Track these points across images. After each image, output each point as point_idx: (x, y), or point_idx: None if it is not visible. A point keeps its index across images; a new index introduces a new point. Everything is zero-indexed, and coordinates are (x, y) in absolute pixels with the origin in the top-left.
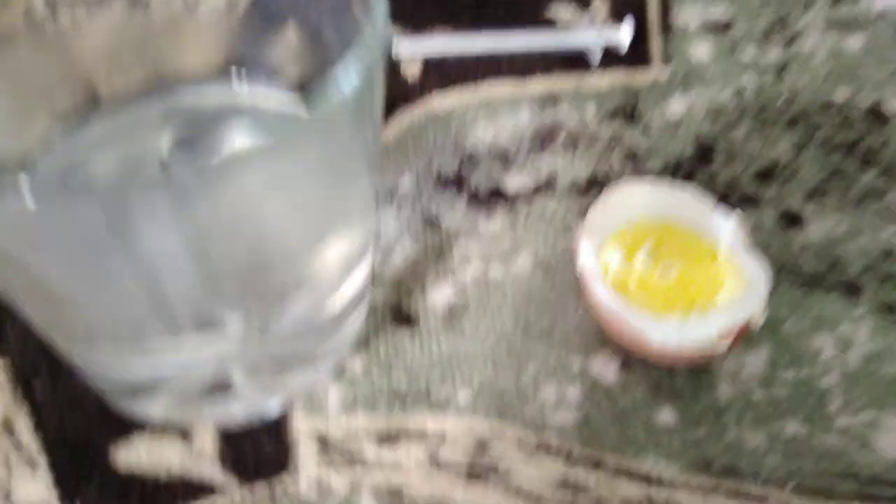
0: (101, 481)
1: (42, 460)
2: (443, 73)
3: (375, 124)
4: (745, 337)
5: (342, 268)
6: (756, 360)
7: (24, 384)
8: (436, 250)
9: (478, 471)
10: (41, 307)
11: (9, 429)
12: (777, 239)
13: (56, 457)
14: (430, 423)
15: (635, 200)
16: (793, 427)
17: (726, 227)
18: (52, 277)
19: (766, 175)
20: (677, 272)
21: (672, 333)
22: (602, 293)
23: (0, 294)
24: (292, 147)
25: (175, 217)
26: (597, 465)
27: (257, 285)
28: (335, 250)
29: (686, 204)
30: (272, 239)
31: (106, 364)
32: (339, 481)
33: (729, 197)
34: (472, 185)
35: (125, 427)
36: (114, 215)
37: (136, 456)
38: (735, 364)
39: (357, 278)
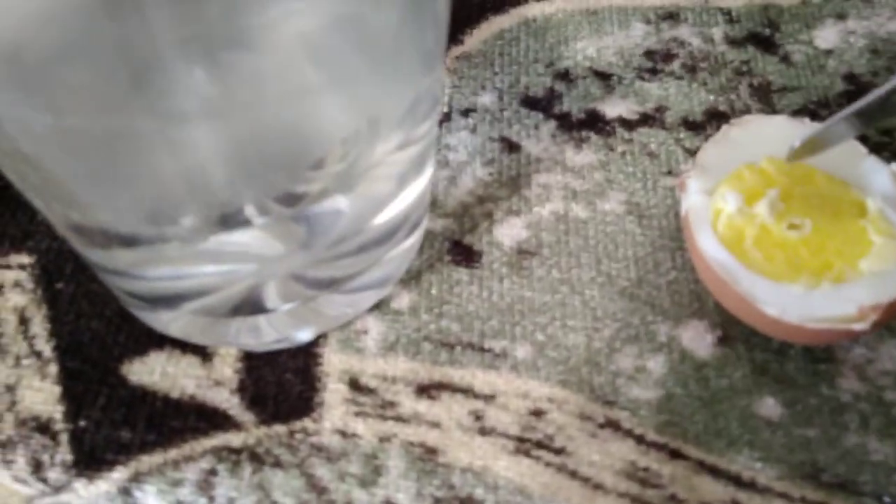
0: (109, 397)
1: (53, 370)
2: None
3: (434, 9)
4: (891, 318)
5: (392, 174)
6: (894, 353)
7: (47, 286)
8: (511, 179)
9: (528, 444)
10: (58, 205)
11: (25, 331)
12: None
13: (67, 366)
14: (480, 379)
15: (764, 137)
16: None
17: (882, 176)
18: (68, 167)
19: None
20: (811, 227)
21: (793, 302)
22: (707, 242)
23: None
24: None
25: (207, 76)
26: (675, 455)
27: (294, 174)
28: (383, 148)
29: None
30: (312, 116)
31: (124, 272)
32: (366, 432)
33: (883, 150)
34: (563, 107)
35: (143, 341)
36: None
37: (149, 373)
38: (866, 354)
39: (410, 193)
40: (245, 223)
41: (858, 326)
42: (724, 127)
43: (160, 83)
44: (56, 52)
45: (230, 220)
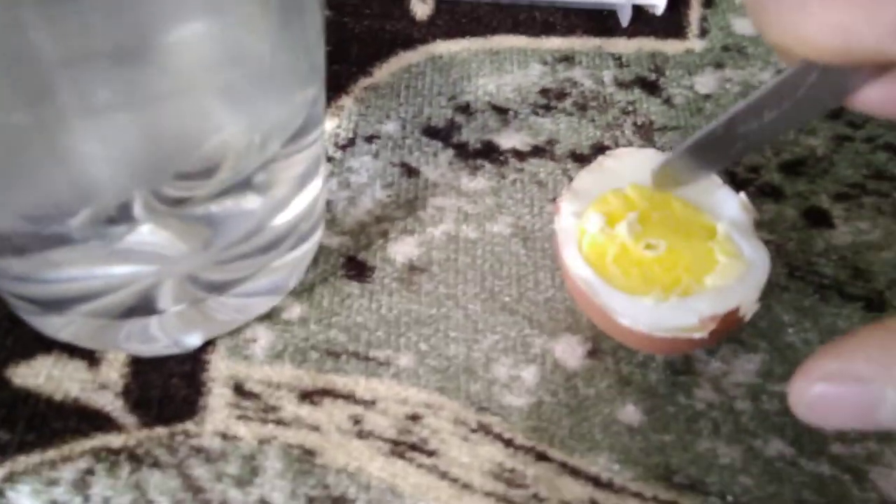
0: None
1: None
2: (454, 17)
3: (305, 15)
4: (731, 330)
5: (286, 178)
6: (747, 367)
7: None
8: (408, 201)
9: (403, 446)
10: None
11: None
12: (797, 237)
13: None
14: (362, 385)
15: (634, 167)
16: (777, 447)
17: (731, 204)
18: None
19: (795, 166)
20: (665, 247)
21: (644, 314)
22: (573, 259)
23: None
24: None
25: (95, 76)
26: (540, 457)
27: (176, 171)
28: (266, 155)
29: None
30: (192, 117)
31: (19, 276)
32: (247, 434)
33: (749, 185)
34: (462, 137)
35: (30, 346)
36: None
37: (34, 376)
38: (721, 367)
39: (303, 200)
40: (132, 221)
41: (698, 335)
42: (600, 157)
43: (49, 82)
44: None
45: (118, 217)
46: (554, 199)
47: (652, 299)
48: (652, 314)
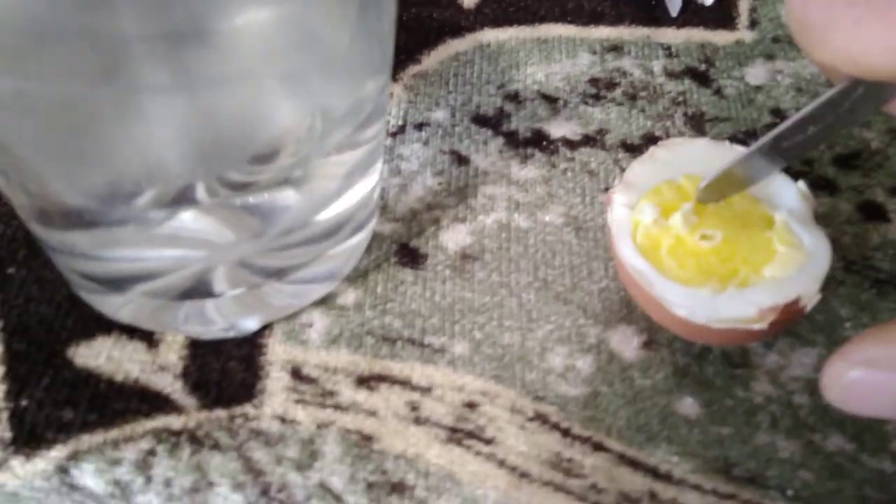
0: (53, 378)
1: None
2: (501, 5)
3: (381, 13)
4: (791, 322)
5: (338, 174)
6: (804, 360)
7: None
8: (459, 189)
9: (460, 434)
10: (16, 180)
11: None
12: (852, 231)
13: (13, 348)
14: (418, 372)
15: (687, 157)
16: (837, 442)
17: (789, 192)
18: (25, 134)
19: (849, 160)
20: (722, 237)
21: (701, 305)
22: (627, 251)
23: None
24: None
25: (166, 57)
26: (598, 448)
27: (243, 158)
28: (331, 145)
29: None
30: (262, 104)
31: (80, 253)
32: (305, 418)
33: (802, 179)
34: (511, 125)
35: (91, 326)
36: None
37: (95, 357)
38: (779, 361)
39: (355, 194)
40: (194, 203)
41: (757, 326)
42: (652, 148)
43: (122, 57)
44: (23, 22)
45: (181, 199)
46: (606, 189)
47: (709, 290)
48: (709, 305)
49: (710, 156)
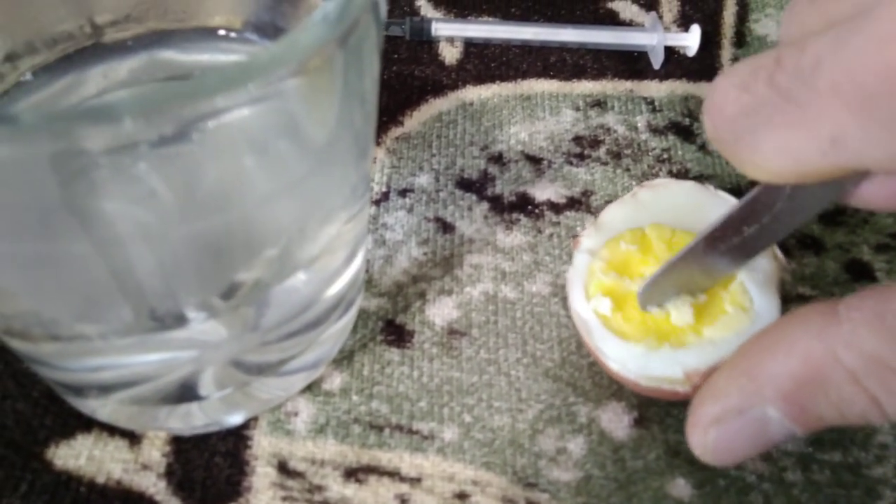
0: (32, 481)
1: None
2: (483, 61)
3: (365, 100)
4: None
5: (323, 266)
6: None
7: None
8: (445, 259)
9: None
10: None
11: None
12: (840, 292)
13: None
14: (407, 462)
15: (668, 199)
16: None
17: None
18: None
19: (834, 216)
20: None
21: (632, 360)
22: (576, 298)
23: None
24: (267, 105)
25: (139, 186)
26: None
27: (233, 274)
28: (314, 242)
29: (719, 209)
30: (253, 220)
31: (50, 363)
32: None
33: (790, 237)
34: (496, 189)
35: (71, 424)
36: (74, 178)
37: (75, 457)
38: None
39: (354, 266)
40: (183, 321)
41: (682, 389)
42: (635, 188)
43: (97, 207)
44: None
45: (167, 319)
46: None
47: (643, 347)
48: (641, 362)
49: (693, 199)
